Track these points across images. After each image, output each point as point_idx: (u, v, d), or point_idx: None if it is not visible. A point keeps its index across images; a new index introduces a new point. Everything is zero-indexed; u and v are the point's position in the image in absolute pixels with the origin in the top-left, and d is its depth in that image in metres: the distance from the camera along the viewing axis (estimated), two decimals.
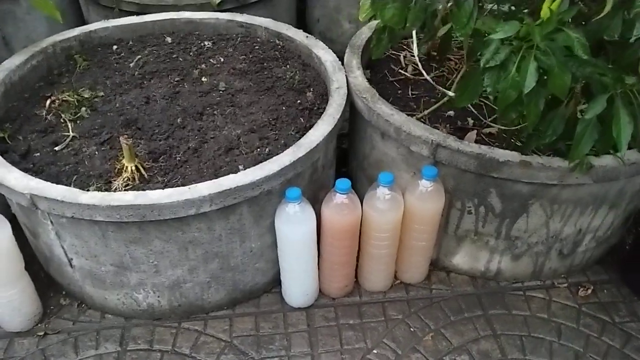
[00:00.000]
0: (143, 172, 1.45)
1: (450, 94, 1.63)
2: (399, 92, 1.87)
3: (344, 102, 1.66)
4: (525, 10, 0.99)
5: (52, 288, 1.69)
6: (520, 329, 1.64)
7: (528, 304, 1.71)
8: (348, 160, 2.00)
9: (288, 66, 1.94)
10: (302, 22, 2.83)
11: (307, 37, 1.99)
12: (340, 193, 1.47)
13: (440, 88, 1.70)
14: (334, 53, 1.89)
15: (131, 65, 1.92)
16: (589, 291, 1.75)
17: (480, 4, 0.93)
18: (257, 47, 2.04)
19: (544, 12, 0.85)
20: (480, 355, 1.56)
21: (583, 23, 0.88)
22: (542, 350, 1.58)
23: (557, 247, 1.69)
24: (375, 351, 1.56)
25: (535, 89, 0.89)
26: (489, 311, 1.69)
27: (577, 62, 0.88)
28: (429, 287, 1.76)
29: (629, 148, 1.00)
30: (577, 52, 0.84)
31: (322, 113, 1.66)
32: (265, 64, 1.95)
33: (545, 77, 0.88)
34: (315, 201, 1.54)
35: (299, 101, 1.77)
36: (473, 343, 1.59)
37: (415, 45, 1.87)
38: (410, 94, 1.85)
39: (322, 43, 1.95)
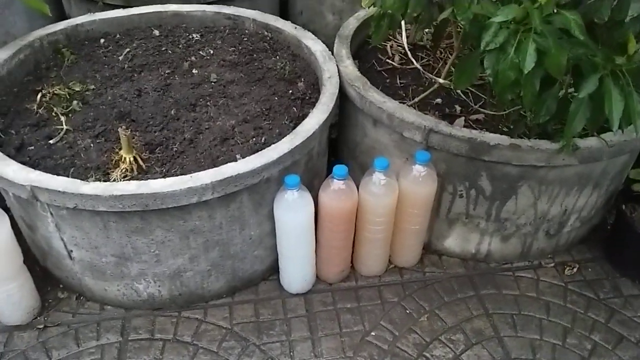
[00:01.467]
0: (141, 162, 1.45)
1: (441, 81, 1.68)
2: (387, 81, 1.90)
3: (337, 91, 1.69)
4: None
5: (49, 282, 1.68)
6: (511, 308, 1.70)
7: (517, 283, 1.78)
8: (338, 149, 2.03)
9: (278, 57, 1.96)
10: (284, 14, 2.84)
11: (295, 28, 2.01)
12: (337, 179, 1.50)
13: (431, 75, 1.75)
14: None
15: (120, 58, 1.91)
16: (575, 270, 1.83)
17: None
18: (245, 39, 2.05)
19: None
20: (474, 333, 1.62)
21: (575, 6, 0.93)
22: (532, 327, 1.65)
23: (544, 227, 1.75)
24: (373, 333, 1.60)
25: (532, 70, 0.93)
26: (480, 291, 1.74)
27: (570, 43, 0.93)
28: (422, 270, 1.81)
29: (619, 127, 1.06)
30: (575, 33, 0.89)
31: (314, 102, 1.68)
32: (255, 55, 1.96)
33: (541, 58, 0.93)
34: (311, 188, 1.57)
35: (290, 91, 1.79)
36: (467, 322, 1.65)
37: (404, 34, 1.92)
38: (398, 83, 1.89)
39: (310, 34, 1.98)
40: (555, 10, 0.91)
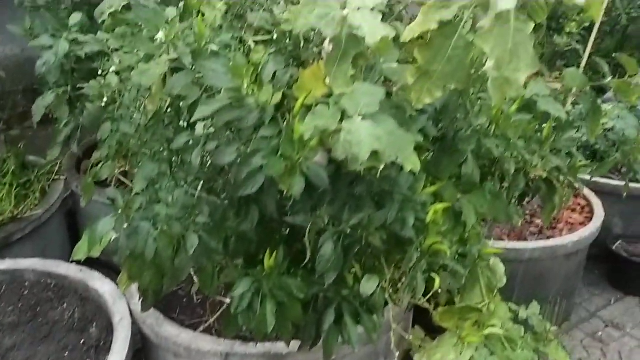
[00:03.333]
0: None
1: (228, 300, 1.81)
2: (184, 300, 1.98)
3: (130, 334, 1.69)
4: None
5: None
6: None
7: None
8: None
9: (65, 305, 1.91)
10: (77, 239, 2.81)
11: (81, 270, 2.01)
12: None
13: (220, 297, 1.87)
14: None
15: None
16: None
17: (224, 261, 1.17)
18: (26, 293, 1.96)
19: (266, 265, 1.11)
20: None
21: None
22: None
23: None
24: None
25: (277, 320, 1.12)
26: None
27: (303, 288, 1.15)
28: None
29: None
30: (296, 294, 1.11)
31: (109, 347, 1.66)
32: (39, 309, 1.88)
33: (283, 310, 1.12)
34: None
35: (82, 341, 1.74)
36: None
37: None
38: (195, 299, 1.97)
39: (98, 273, 1.97)
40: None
